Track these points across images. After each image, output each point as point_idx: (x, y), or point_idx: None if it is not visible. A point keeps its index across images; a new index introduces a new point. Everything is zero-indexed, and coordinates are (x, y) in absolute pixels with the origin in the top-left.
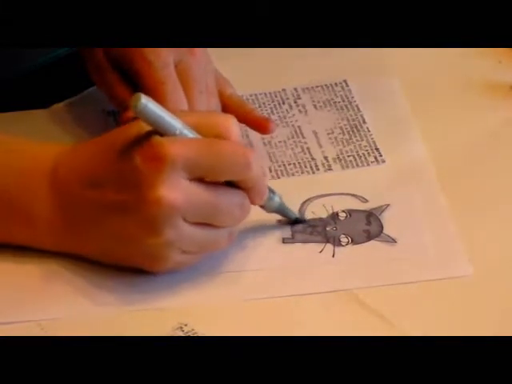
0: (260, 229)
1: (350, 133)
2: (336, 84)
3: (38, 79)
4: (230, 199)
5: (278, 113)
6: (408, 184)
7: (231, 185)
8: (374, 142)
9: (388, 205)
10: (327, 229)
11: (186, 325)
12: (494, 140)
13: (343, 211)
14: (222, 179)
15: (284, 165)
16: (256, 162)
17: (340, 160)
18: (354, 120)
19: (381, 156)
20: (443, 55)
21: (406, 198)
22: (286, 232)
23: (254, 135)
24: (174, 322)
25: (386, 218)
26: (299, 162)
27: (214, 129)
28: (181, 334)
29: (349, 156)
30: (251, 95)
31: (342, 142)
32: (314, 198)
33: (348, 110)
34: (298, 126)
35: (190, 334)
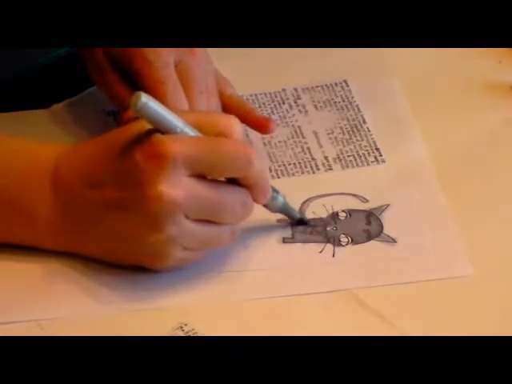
0: (260, 228)
1: (350, 133)
2: (336, 84)
3: (38, 79)
4: (231, 196)
5: (278, 113)
6: (408, 184)
7: (234, 183)
8: (374, 142)
9: (388, 205)
10: (327, 229)
11: (186, 324)
12: (493, 140)
13: (343, 211)
14: (224, 176)
15: (284, 165)
16: (258, 159)
17: (340, 160)
18: (354, 120)
19: (381, 156)
20: (443, 55)
21: (406, 198)
22: (286, 232)
23: (254, 135)
24: (175, 322)
25: (386, 218)
26: (299, 162)
27: (215, 128)
28: (181, 333)
29: (349, 156)
30: (251, 95)
31: (342, 142)
32: (314, 197)
33: (348, 110)
34: (298, 126)
35: (191, 334)
